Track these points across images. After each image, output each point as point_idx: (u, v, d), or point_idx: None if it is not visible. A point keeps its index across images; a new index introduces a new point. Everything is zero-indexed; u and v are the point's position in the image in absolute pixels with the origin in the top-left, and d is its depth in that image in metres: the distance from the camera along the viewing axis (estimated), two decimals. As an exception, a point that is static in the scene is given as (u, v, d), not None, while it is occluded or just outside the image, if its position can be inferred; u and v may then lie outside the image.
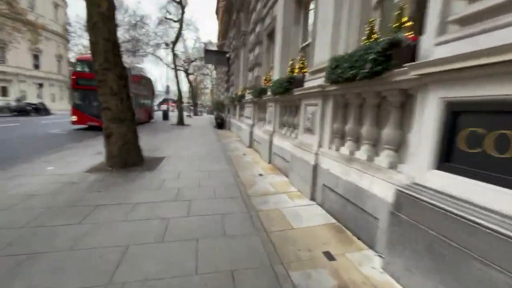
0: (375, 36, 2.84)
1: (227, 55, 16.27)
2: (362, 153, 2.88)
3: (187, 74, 41.73)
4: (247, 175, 5.30)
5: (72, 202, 3.50)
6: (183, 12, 17.31)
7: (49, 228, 2.76)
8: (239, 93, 12.16)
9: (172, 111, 47.33)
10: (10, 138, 9.80)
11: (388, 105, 2.59)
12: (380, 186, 2.41)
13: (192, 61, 42.37)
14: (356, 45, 3.25)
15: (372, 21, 2.89)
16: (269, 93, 6.31)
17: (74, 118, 12.55)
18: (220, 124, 16.88)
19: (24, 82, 33.65)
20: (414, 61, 2.05)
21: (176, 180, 4.72)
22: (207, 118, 32.38)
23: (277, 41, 6.20)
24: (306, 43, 5.40)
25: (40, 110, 23.44)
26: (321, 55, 3.75)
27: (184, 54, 41.12)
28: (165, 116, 23.82)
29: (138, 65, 43.46)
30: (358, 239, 2.71)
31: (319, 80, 3.65)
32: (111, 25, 5.27)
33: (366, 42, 2.84)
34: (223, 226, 2.95)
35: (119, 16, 39.04)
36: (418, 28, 2.22)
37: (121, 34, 39.69)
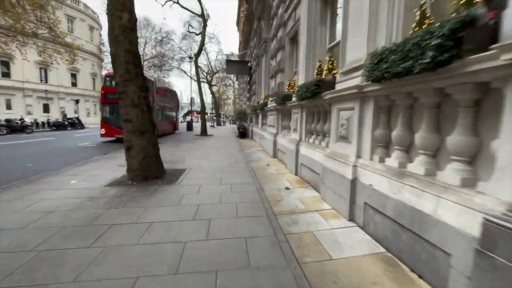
0: (428, 21, 2.31)
1: (249, 64, 16.19)
2: (417, 166, 2.31)
3: (210, 86, 42.84)
4: (272, 188, 4.83)
5: (88, 221, 3.28)
6: (205, 25, 17.68)
7: (58, 252, 2.51)
8: (261, 101, 11.86)
9: (197, 121, 48.52)
10: (44, 151, 10.32)
11: (452, 105, 2.02)
12: (451, 211, 1.83)
13: (215, 73, 43.53)
14: (401, 36, 2.73)
15: (424, 3, 2.37)
16: (294, 98, 5.87)
17: (103, 131, 13.05)
18: (243, 134, 16.66)
19: (63, 99, 36.55)
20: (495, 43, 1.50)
21: (196, 195, 4.39)
22: (230, 128, 32.56)
23: (301, 44, 5.79)
24: (335, 42, 4.92)
25: (75, 124, 25.08)
26: (356, 52, 3.26)
27: (207, 67, 42.43)
28: (189, 127, 24.25)
29: (164, 79, 45.72)
30: (419, 277, 2.11)
31: (355, 81, 3.15)
32: (132, 36, 5.22)
33: (417, 30, 2.32)
34: (247, 253, 2.50)
35: (147, 34, 41.59)
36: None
37: (148, 50, 42.05)
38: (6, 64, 30.19)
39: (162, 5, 18.17)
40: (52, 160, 8.24)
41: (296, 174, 5.75)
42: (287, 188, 4.76)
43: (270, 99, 9.28)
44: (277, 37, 8.49)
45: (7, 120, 18.88)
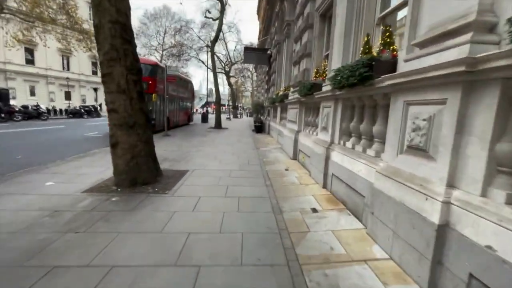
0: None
1: (268, 52, 14.78)
2: None
3: (228, 77, 41.69)
4: (294, 209, 3.59)
5: (29, 254, 2.26)
6: (222, 10, 16.39)
7: None
8: (281, 92, 10.51)
9: (212, 113, 47.85)
10: (46, 140, 9.71)
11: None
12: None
13: (233, 64, 42.25)
14: None
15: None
16: (326, 88, 4.53)
17: (112, 120, 12.35)
18: (259, 128, 15.43)
19: (84, 87, 37.10)
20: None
21: (190, 214, 3.26)
22: (246, 121, 31.42)
23: (339, 16, 4.38)
24: (392, 8, 3.48)
25: (92, 112, 25.05)
26: (447, 7, 1.89)
27: (225, 57, 41.24)
28: (204, 118, 23.40)
29: (177, 66, 45.18)
30: None
31: (453, 52, 1.79)
32: (122, 3, 4.10)
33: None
34: None
35: (166, 23, 41.00)
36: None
37: (167, 39, 41.51)
38: (31, 52, 30.80)
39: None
40: (48, 152, 7.49)
41: (324, 187, 4.46)
42: (314, 210, 3.49)
43: (292, 90, 7.93)
44: (303, 14, 7.05)
45: (24, 107, 18.95)
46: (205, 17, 17.83)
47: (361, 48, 3.41)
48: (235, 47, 41.53)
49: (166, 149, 8.04)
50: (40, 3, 19.09)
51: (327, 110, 4.69)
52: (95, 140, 10.21)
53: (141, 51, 36.89)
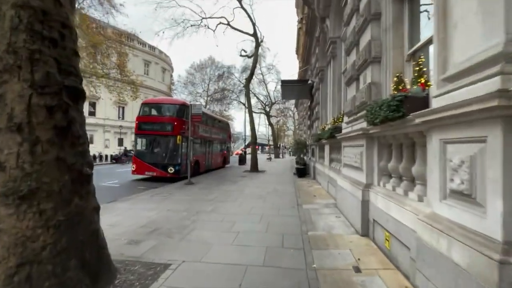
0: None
1: (309, 82, 12.71)
2: None
3: (269, 117, 40.86)
4: None
5: None
6: (257, 45, 15.42)
7: None
8: (328, 126, 7.92)
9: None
10: None
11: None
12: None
13: (273, 103, 41.68)
14: None
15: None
16: (436, 104, 1.90)
17: (133, 167, 11.11)
18: (302, 171, 12.64)
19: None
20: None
21: None
22: (288, 161, 28.72)
23: None
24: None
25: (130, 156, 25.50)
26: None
27: (265, 98, 41.07)
28: (241, 160, 21.59)
29: (225, 112, 46.23)
30: None
31: None
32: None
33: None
34: None
35: (210, 71, 43.56)
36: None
37: (211, 86, 43.56)
38: (93, 105, 34.79)
39: (214, 30, 17.03)
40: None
41: None
42: None
43: (348, 119, 5.33)
44: (358, 10, 4.78)
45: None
46: (241, 55, 17.14)
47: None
48: (275, 87, 41.19)
49: (170, 208, 5.87)
50: (96, 61, 21.22)
51: (459, 151, 1.97)
52: (108, 191, 8.74)
53: (187, 98, 39.01)
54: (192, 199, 6.85)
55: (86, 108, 32.46)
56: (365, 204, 3.91)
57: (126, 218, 5.03)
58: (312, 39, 13.22)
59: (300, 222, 4.72)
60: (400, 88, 3.09)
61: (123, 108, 37.76)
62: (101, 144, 34.78)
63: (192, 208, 5.87)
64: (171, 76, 48.73)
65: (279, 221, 4.84)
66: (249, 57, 16.95)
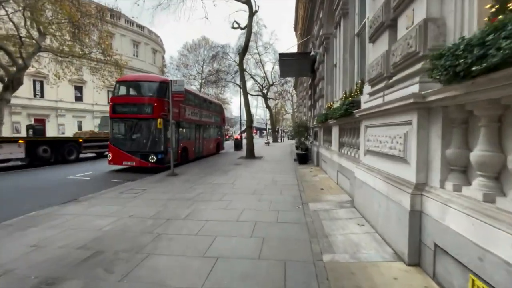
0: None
1: (312, 54, 10.94)
2: None
3: (266, 99, 38.89)
4: None
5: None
6: (251, 14, 13.43)
7: None
8: (339, 102, 6.34)
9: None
10: (21, 185, 7.00)
11: None
12: None
13: (271, 85, 39.55)
14: None
15: None
16: None
17: (109, 156, 9.58)
18: (303, 158, 11.19)
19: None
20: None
21: None
22: (287, 145, 27.31)
23: None
24: None
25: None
26: None
27: (262, 79, 38.89)
28: (237, 146, 20.12)
29: (221, 96, 44.06)
30: None
31: None
32: None
33: None
34: None
35: (205, 52, 40.98)
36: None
37: (206, 68, 41.23)
38: (80, 89, 32.67)
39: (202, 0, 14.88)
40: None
41: None
42: None
43: (371, 89, 3.78)
44: None
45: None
46: (233, 27, 15.08)
47: None
48: (273, 68, 38.89)
49: (135, 212, 4.43)
50: (77, 38, 19.11)
51: None
52: (75, 185, 7.27)
53: (181, 81, 36.78)
54: (168, 198, 5.39)
55: (72, 92, 30.52)
56: (415, 216, 2.45)
57: (63, 233, 3.58)
58: (314, 2, 11.28)
59: (309, 236, 3.28)
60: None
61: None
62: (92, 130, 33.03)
63: (163, 213, 4.43)
64: (163, 57, 46.03)
65: (278, 234, 3.41)
66: (242, 28, 14.94)
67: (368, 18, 4.72)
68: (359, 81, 5.50)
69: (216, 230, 3.59)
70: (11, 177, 8.77)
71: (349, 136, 5.78)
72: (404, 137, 2.74)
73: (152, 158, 9.20)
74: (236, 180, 7.40)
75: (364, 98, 4.37)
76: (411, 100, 2.42)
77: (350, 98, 5.38)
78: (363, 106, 4.28)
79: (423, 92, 2.34)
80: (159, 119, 8.90)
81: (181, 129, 11.17)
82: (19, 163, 10.87)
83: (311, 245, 3.05)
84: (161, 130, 9.25)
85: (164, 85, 9.49)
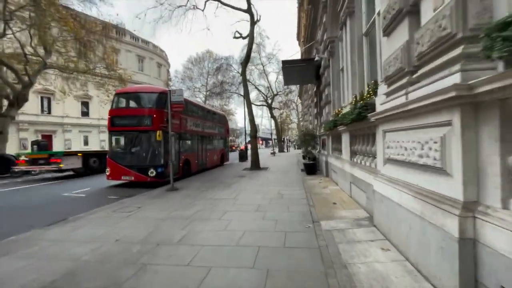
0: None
1: (316, 59, 10.51)
2: None
3: (271, 109, 38.57)
4: None
5: None
6: (252, 23, 13.24)
7: None
8: (348, 107, 5.80)
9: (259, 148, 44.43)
10: (14, 203, 6.59)
11: None
12: None
13: (275, 95, 39.32)
14: None
15: None
16: None
17: (108, 171, 9.16)
18: (311, 168, 10.56)
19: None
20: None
21: None
22: (294, 155, 26.63)
23: None
24: None
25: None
26: None
27: (267, 89, 38.73)
28: (242, 157, 19.61)
29: (226, 107, 43.99)
30: None
31: None
32: None
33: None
34: None
35: (209, 64, 41.31)
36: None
37: (211, 80, 41.44)
38: (86, 105, 33.06)
39: (203, 10, 14.81)
40: None
41: None
42: None
43: (388, 88, 3.25)
44: None
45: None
46: (234, 37, 14.90)
47: None
48: (277, 78, 38.83)
49: (124, 235, 3.90)
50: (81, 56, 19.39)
51: None
52: (68, 204, 6.82)
53: (186, 93, 36.94)
54: (163, 217, 4.85)
55: (78, 108, 30.87)
56: (467, 246, 1.85)
57: (34, 264, 3.06)
58: (317, 8, 10.98)
59: (324, 267, 2.67)
60: None
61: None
62: (97, 145, 33.06)
63: (154, 235, 3.88)
64: (168, 71, 46.65)
65: (286, 264, 2.81)
66: (243, 38, 14.73)
67: (378, 12, 4.24)
68: (372, 81, 4.97)
69: (211, 258, 3.01)
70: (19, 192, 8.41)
71: (363, 144, 5.19)
72: (441, 141, 2.16)
73: (152, 172, 8.74)
74: (239, 194, 6.83)
75: (379, 99, 3.83)
76: (452, 94, 1.87)
77: (362, 102, 4.85)
78: (379, 108, 3.73)
79: (469, 82, 1.79)
80: (158, 131, 8.51)
81: (182, 141, 10.76)
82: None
83: (327, 279, 2.44)
84: (161, 143, 8.83)
85: (163, 96, 9.14)
